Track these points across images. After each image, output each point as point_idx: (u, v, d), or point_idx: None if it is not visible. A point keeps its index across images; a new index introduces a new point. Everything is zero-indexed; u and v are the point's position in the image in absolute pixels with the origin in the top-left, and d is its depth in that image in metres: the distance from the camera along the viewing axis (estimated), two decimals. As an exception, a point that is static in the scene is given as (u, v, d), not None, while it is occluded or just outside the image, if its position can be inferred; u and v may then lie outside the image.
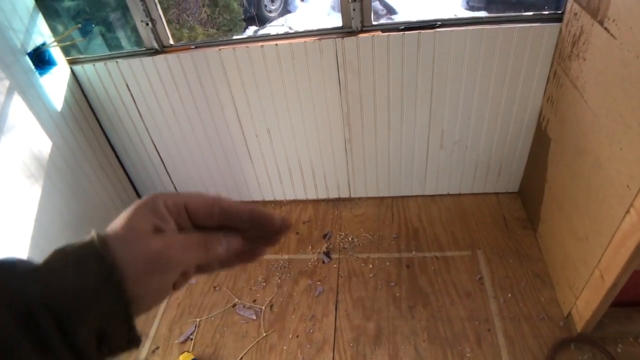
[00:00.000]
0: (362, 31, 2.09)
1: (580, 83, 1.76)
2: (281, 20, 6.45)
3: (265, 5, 6.46)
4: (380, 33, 2.06)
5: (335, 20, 6.45)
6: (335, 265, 2.39)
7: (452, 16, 2.10)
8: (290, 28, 5.95)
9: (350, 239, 2.52)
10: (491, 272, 2.25)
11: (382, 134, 2.39)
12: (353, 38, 2.06)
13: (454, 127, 2.34)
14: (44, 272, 0.33)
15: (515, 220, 2.51)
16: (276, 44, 2.11)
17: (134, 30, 2.91)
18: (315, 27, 2.17)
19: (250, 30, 5.89)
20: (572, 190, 1.89)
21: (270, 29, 6.07)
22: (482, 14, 5.79)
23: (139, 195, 2.95)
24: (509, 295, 2.13)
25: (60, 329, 0.31)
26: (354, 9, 2.04)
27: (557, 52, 1.98)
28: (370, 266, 2.36)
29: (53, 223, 2.19)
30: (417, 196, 2.71)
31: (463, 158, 2.48)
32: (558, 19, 1.93)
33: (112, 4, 2.87)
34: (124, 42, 2.89)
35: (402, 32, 2.04)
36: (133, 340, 0.37)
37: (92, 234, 0.36)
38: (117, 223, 0.38)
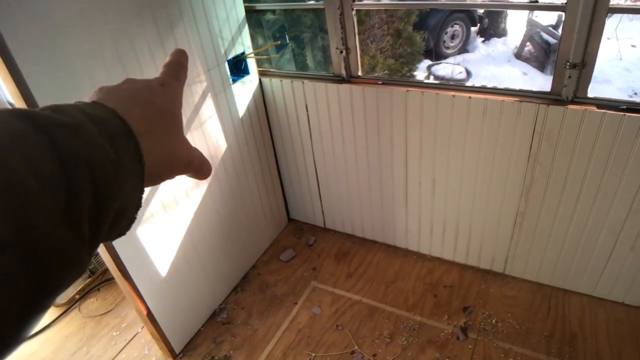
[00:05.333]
0: (572, 102, 1.83)
1: None
2: (458, 58, 6.25)
3: (444, 42, 6.32)
4: (594, 108, 1.78)
5: (514, 69, 6.06)
6: (470, 346, 2.14)
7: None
8: (465, 69, 5.73)
9: (493, 321, 2.24)
10: (668, 420, 1.80)
11: (563, 216, 2.08)
12: (560, 107, 1.82)
13: (658, 232, 1.94)
14: (83, 133, 0.29)
15: None
16: (470, 97, 1.95)
17: (323, 52, 2.99)
18: (517, 87, 1.96)
19: (424, 64, 5.80)
20: None
21: (445, 65, 5.91)
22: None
23: (287, 209, 3.00)
24: None
25: (94, 202, 0.28)
26: (569, 77, 1.79)
27: None
28: (512, 360, 2.06)
29: (209, 219, 2.30)
30: (582, 294, 2.31)
31: (657, 268, 2.05)
32: None
33: (310, 24, 2.98)
34: (310, 63, 2.98)
35: (622, 113, 1.74)
36: (130, 225, 0.34)
37: (102, 104, 0.34)
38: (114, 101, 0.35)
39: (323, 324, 2.34)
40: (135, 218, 0.34)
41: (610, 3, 1.61)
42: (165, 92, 0.39)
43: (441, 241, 2.52)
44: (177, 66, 0.44)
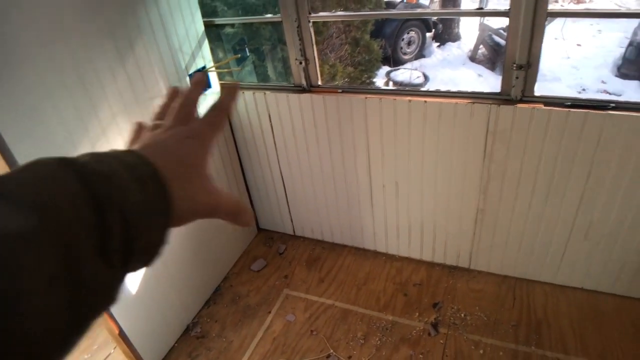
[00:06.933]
0: (521, 101, 1.94)
1: None
2: (415, 63, 6.42)
3: (401, 48, 6.49)
4: (541, 106, 1.89)
5: (469, 72, 6.28)
6: (441, 341, 2.21)
7: (614, 94, 1.87)
8: (422, 74, 5.89)
9: (462, 315, 2.32)
10: (627, 395, 1.92)
11: (520, 211, 2.19)
12: (510, 107, 1.92)
13: (607, 220, 2.07)
14: (116, 179, 0.32)
15: (663, 337, 2.13)
16: (425, 101, 2.04)
17: (284, 63, 3.04)
18: (469, 89, 2.06)
19: (383, 71, 5.94)
20: None
21: (403, 71, 6.07)
22: (636, 84, 5.28)
23: (256, 219, 3.02)
24: None
25: (124, 239, 0.31)
26: (516, 77, 1.90)
27: None
28: (481, 352, 2.14)
29: (177, 233, 2.29)
30: (545, 283, 2.43)
31: (609, 253, 2.18)
32: None
33: (269, 37, 3.02)
34: (271, 74, 3.02)
35: (567, 109, 1.86)
36: (155, 259, 0.37)
37: (133, 149, 0.38)
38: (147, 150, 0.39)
39: (297, 331, 2.36)
40: (160, 253, 0.37)
41: (549, 8, 1.72)
42: (191, 145, 0.42)
43: (408, 241, 2.60)
44: (220, 111, 0.47)
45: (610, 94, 5.22)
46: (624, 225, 2.06)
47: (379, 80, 5.63)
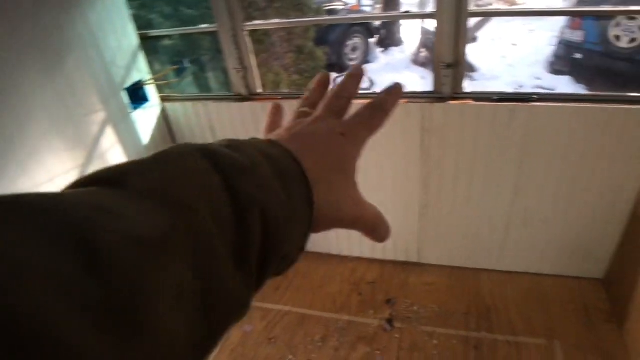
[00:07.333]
0: (452, 98, 2.03)
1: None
2: (360, 69, 6.54)
3: (346, 54, 6.62)
4: (471, 102, 1.99)
5: (413, 75, 6.48)
6: (397, 335, 2.25)
7: (548, 90, 1.99)
8: (369, 79, 6.02)
9: (415, 308, 2.38)
10: (570, 369, 2.02)
11: (461, 203, 2.28)
12: (442, 104, 2.01)
13: (540, 206, 2.19)
14: (258, 174, 0.28)
15: (598, 312, 2.26)
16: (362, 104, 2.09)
17: (224, 73, 3.05)
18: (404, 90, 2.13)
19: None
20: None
21: (348, 77, 6.16)
22: (567, 79, 5.62)
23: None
24: (591, 401, 1.89)
25: (263, 245, 0.27)
26: (445, 76, 1.99)
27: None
28: (435, 342, 2.20)
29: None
30: (491, 271, 2.53)
31: (547, 237, 2.30)
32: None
33: (207, 47, 3.01)
34: (213, 84, 3.01)
35: (494, 103, 1.96)
36: (290, 267, 0.33)
37: (276, 140, 0.33)
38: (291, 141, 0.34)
39: (255, 340, 2.35)
40: (296, 260, 0.33)
41: (469, 9, 1.81)
42: (344, 144, 0.37)
43: (359, 241, 2.64)
44: (380, 111, 0.41)
45: (545, 89, 5.51)
46: (556, 210, 2.19)
47: (326, 87, 5.70)
